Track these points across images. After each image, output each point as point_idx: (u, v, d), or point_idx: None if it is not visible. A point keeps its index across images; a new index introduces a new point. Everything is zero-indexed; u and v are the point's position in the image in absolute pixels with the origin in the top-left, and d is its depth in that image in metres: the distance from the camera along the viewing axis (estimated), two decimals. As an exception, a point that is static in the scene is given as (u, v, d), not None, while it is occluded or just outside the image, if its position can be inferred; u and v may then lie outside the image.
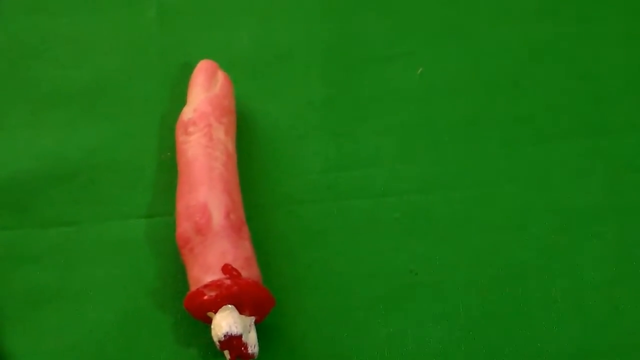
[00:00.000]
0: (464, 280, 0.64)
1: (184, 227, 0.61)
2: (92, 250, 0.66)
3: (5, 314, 0.63)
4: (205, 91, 0.67)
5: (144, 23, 0.77)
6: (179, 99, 0.69)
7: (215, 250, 0.60)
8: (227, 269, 0.59)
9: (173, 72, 0.73)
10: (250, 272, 0.60)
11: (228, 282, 0.58)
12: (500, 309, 0.63)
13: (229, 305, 0.58)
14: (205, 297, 0.58)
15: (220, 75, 0.69)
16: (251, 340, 0.58)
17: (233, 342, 0.57)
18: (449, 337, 0.62)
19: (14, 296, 0.64)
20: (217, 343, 0.58)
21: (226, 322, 0.57)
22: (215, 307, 0.58)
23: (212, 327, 0.58)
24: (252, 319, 0.59)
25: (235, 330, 0.57)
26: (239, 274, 0.59)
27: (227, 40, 0.75)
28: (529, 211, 0.67)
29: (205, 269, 0.59)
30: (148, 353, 0.62)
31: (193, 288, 0.59)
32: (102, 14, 0.77)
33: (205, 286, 0.58)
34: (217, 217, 0.60)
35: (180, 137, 0.66)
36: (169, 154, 0.68)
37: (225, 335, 0.57)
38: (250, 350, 0.58)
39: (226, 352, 0.59)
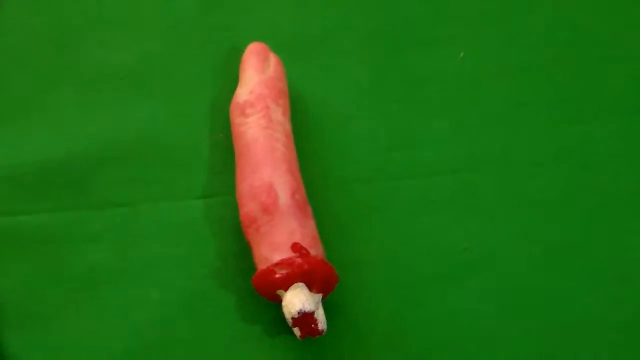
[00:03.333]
0: (516, 256, 0.66)
1: (249, 207, 0.62)
2: (149, 231, 0.66)
3: (67, 295, 0.64)
4: (259, 73, 0.68)
5: (187, 5, 0.77)
6: (227, 81, 0.70)
7: (283, 229, 0.61)
8: (296, 247, 0.60)
9: (216, 53, 0.74)
10: (317, 250, 0.61)
11: (299, 260, 0.59)
12: (552, 283, 0.65)
13: (300, 283, 0.59)
14: (277, 276, 0.59)
15: (272, 58, 0.69)
16: (320, 317, 0.60)
17: (305, 318, 0.59)
18: (504, 312, 0.64)
19: (75, 276, 0.64)
20: (290, 320, 0.59)
21: (299, 299, 0.59)
22: (286, 285, 0.59)
23: (283, 304, 0.59)
24: (320, 296, 0.60)
25: (308, 307, 0.58)
26: (308, 252, 0.60)
27: (270, 22, 0.75)
28: (574, 188, 0.68)
29: (274, 247, 0.60)
30: (214, 332, 0.63)
31: (261, 267, 0.60)
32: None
33: (276, 264, 0.59)
34: (283, 196, 0.61)
35: (236, 119, 0.66)
36: (221, 135, 0.69)
37: (298, 312, 0.58)
38: (320, 327, 0.59)
39: (296, 330, 0.60)
